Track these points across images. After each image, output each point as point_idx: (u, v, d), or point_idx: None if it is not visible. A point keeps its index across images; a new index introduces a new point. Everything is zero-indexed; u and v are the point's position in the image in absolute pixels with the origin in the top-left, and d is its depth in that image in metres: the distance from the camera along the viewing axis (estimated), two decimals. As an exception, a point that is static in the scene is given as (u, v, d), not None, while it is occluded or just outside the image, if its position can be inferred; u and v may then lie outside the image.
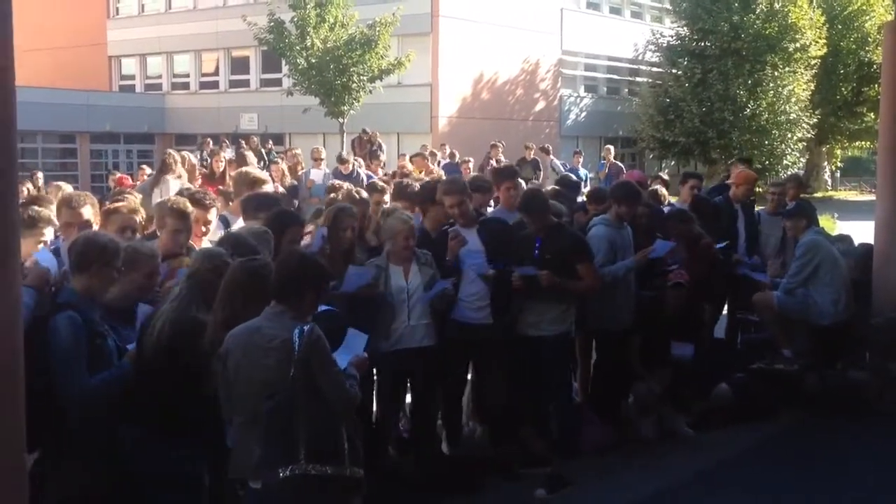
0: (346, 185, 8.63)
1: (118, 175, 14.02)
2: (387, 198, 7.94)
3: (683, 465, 6.97)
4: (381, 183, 8.94)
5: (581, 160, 19.77)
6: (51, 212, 5.73)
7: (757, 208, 9.82)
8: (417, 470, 6.43)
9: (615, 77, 39.72)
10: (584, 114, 38.04)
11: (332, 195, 7.88)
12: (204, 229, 6.13)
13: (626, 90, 39.50)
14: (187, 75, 37.95)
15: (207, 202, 6.21)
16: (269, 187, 8.14)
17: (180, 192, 6.71)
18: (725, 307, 9.24)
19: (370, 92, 27.06)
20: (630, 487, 6.57)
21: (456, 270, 6.45)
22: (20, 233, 2.98)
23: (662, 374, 7.42)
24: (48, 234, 5.49)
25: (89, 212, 5.95)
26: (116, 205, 6.01)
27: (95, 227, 5.70)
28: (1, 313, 2.83)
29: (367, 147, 18.38)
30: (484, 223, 6.77)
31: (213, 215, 6.28)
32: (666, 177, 11.36)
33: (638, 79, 38.10)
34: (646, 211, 7.80)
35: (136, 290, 4.80)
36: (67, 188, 10.87)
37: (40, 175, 18.48)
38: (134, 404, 4.52)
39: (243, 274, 4.44)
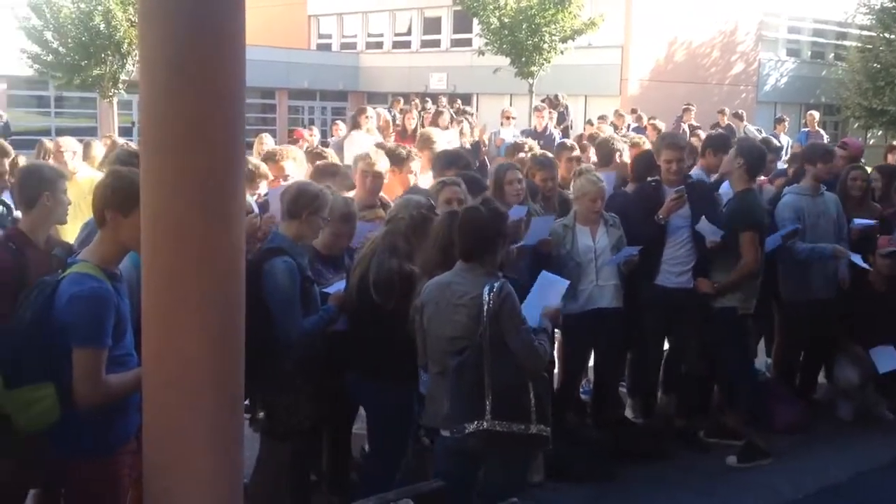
0: (529, 141, 8.57)
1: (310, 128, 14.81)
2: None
3: (882, 451, 6.62)
4: (570, 141, 8.88)
5: (786, 128, 18.47)
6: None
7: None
8: (598, 435, 6.38)
9: (820, 41, 37.53)
10: (784, 79, 36.20)
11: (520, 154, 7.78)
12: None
13: (832, 55, 37.25)
14: (381, 35, 38.76)
15: (404, 155, 6.54)
16: (442, 145, 8.36)
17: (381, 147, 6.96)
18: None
19: (561, 52, 26.76)
20: (823, 470, 6.28)
21: (661, 228, 6.29)
22: (243, 186, 3.19)
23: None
24: (262, 187, 5.85)
25: (291, 166, 6.30)
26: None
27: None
28: (228, 258, 3.01)
29: (554, 108, 18.27)
30: (691, 185, 6.49)
31: (416, 166, 6.61)
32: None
33: (846, 43, 35.83)
34: (860, 174, 7.36)
35: (334, 237, 4.97)
36: (269, 140, 11.47)
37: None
38: (350, 349, 4.74)
39: (441, 223, 4.56)
